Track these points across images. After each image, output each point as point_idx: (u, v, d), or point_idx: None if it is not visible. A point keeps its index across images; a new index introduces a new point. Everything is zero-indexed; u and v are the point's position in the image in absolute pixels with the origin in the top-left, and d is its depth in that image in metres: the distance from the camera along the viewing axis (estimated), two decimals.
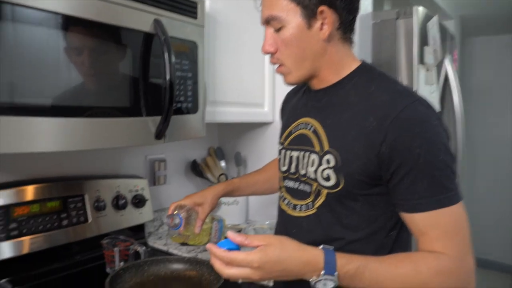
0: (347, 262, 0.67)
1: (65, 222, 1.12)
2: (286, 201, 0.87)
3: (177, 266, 1.13)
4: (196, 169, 1.62)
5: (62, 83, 0.82)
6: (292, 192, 0.86)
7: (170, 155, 1.55)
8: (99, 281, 0.96)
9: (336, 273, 0.66)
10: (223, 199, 1.55)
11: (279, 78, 1.58)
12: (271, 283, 1.04)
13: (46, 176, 1.17)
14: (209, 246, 0.68)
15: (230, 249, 0.67)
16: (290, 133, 0.89)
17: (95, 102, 0.89)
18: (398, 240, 0.77)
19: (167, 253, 1.33)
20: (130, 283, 1.05)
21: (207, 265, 1.10)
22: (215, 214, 1.17)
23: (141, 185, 1.35)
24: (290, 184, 0.86)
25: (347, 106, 0.77)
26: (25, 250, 1.04)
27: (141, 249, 1.13)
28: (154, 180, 1.49)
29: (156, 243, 1.39)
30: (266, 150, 1.49)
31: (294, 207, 0.84)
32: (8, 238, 1.01)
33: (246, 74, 1.42)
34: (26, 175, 1.13)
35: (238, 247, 0.67)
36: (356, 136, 0.73)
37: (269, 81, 1.53)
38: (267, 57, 1.51)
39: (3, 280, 1.06)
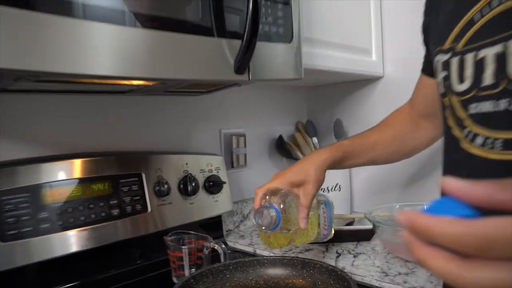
0: None
1: (115, 212, 0.81)
2: (479, 140, 0.47)
3: (274, 271, 0.76)
4: (282, 148, 1.26)
5: None
6: (493, 120, 0.45)
7: (249, 131, 1.20)
8: None
9: None
10: None
11: (387, 22, 1.18)
12: None
13: (91, 151, 0.87)
14: (407, 216, 0.26)
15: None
16: (469, 24, 0.49)
17: (154, 9, 0.58)
18: None
19: (254, 256, 0.96)
20: None
21: (320, 268, 0.72)
22: (319, 195, 0.78)
23: (215, 164, 1.01)
24: (485, 107, 0.46)
25: None
26: (61, 250, 0.73)
27: (220, 248, 0.78)
28: (231, 161, 1.15)
29: (238, 243, 1.04)
30: (376, 115, 1.08)
31: (505, 145, 0.43)
32: (37, 233, 0.71)
33: (348, 10, 1.03)
34: (64, 148, 0.85)
35: (473, 213, 0.26)
36: None
37: (376, 24, 1.13)
38: None
39: None
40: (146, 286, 0.83)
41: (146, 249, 0.89)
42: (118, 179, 0.82)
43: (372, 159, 0.80)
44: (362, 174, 1.27)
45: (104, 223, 0.79)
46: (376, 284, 0.73)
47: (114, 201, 0.81)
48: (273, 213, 0.65)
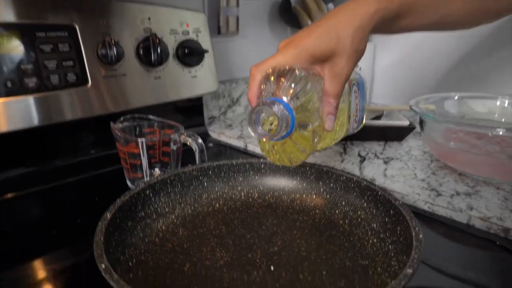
0: None
1: (32, 82, 0.52)
2: None
3: (274, 181, 0.52)
4: (288, 13, 0.93)
5: None
6: None
7: None
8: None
9: None
10: None
11: None
12: None
13: None
14: None
15: None
16: None
17: None
18: None
19: (245, 153, 0.72)
20: (169, 219, 0.46)
21: (346, 182, 0.47)
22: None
23: (194, 23, 0.70)
24: None
25: None
26: None
27: (194, 143, 0.52)
28: (218, 25, 0.83)
29: (224, 135, 0.78)
30: None
31: None
32: None
33: None
34: None
35: None
36: None
37: None
38: None
39: None
40: (96, 183, 0.59)
41: (100, 137, 0.64)
42: (34, 32, 0.52)
43: (441, 19, 0.50)
44: (388, 57, 0.97)
45: (12, 98, 0.51)
46: (425, 207, 0.49)
47: (29, 65, 0.51)
48: (282, 112, 0.36)
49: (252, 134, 0.39)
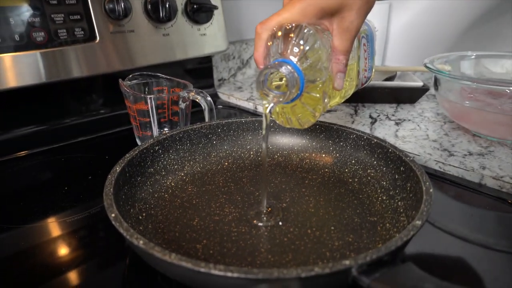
0: None
1: (40, 36, 0.51)
2: None
3: (283, 140, 0.51)
4: None
5: None
6: None
7: None
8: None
9: None
10: None
11: None
12: None
13: None
14: None
15: None
16: None
17: None
18: None
19: (255, 115, 0.71)
20: (178, 176, 0.46)
21: (356, 140, 0.47)
22: None
23: None
24: None
25: None
26: None
27: (204, 100, 0.52)
28: None
29: (233, 97, 0.77)
30: None
31: None
32: None
33: None
34: None
35: None
36: None
37: None
38: None
39: None
40: (107, 143, 0.59)
41: (109, 97, 0.63)
42: None
43: None
44: (403, 17, 0.94)
45: (21, 53, 0.50)
46: (436, 167, 0.49)
47: (35, 19, 0.50)
48: (291, 74, 0.34)
49: (259, 94, 0.38)
